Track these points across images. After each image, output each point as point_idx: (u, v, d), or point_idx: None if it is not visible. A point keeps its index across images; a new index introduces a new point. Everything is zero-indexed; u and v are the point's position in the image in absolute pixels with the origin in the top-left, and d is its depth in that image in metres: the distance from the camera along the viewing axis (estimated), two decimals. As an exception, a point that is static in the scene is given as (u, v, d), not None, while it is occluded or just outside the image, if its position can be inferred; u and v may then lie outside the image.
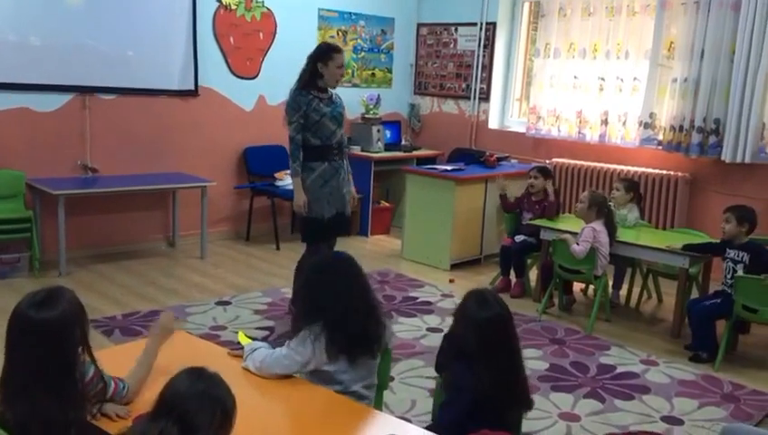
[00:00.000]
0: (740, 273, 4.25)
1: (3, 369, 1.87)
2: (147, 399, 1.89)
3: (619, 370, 4.16)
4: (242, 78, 6.63)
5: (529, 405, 2.41)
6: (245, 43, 6.59)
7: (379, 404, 2.63)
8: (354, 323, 2.40)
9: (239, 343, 2.65)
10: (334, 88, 4.46)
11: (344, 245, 6.13)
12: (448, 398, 2.38)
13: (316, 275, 2.56)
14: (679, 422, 3.56)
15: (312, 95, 4.36)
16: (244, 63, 6.62)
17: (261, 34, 6.69)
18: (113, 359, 2.29)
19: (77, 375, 1.90)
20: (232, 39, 6.50)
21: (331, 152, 4.42)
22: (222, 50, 6.47)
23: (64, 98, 5.61)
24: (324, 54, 4.36)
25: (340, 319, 2.39)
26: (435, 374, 2.71)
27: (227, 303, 4.96)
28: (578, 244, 4.75)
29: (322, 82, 4.38)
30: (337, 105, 4.47)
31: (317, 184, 4.40)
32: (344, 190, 4.52)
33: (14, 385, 1.83)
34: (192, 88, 6.27)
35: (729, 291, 4.32)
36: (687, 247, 4.60)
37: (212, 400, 1.67)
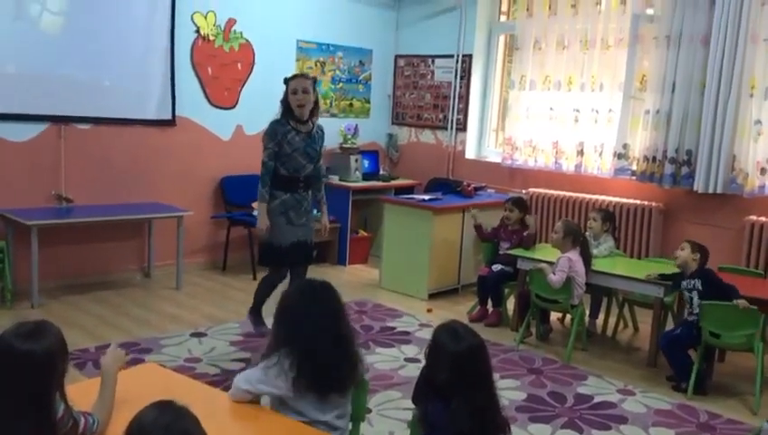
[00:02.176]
0: (695, 300, 4.33)
1: None
2: (117, 434, 1.85)
3: (597, 399, 4.17)
4: (220, 108, 6.64)
5: (506, 431, 2.38)
6: (223, 73, 6.61)
7: (356, 437, 2.60)
8: (324, 355, 2.34)
9: None
10: (303, 117, 4.48)
11: (322, 274, 6.12)
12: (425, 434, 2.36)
13: (291, 301, 2.49)
14: (656, 452, 3.57)
15: (290, 126, 4.44)
16: (222, 94, 6.64)
17: (239, 65, 6.72)
18: (87, 393, 2.24)
19: (52, 412, 1.87)
20: (210, 69, 6.52)
21: (296, 184, 4.56)
22: (200, 80, 6.48)
23: (39, 127, 5.56)
24: (285, 85, 4.50)
25: (309, 349, 2.34)
26: (412, 406, 2.68)
27: (203, 334, 4.90)
28: (554, 273, 4.77)
29: (298, 113, 4.44)
30: (314, 141, 4.56)
31: (276, 212, 4.55)
32: (303, 220, 4.63)
33: None
34: (169, 118, 6.26)
35: (691, 319, 4.38)
36: (662, 277, 4.65)
37: (178, 433, 1.63)
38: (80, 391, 2.31)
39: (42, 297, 5.32)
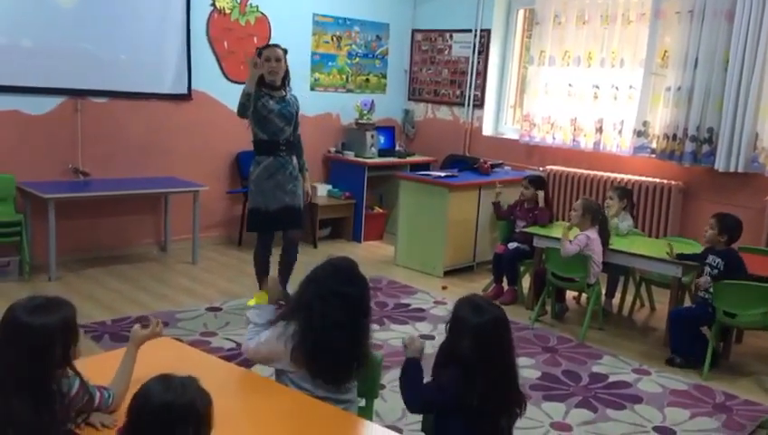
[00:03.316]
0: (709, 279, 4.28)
1: None
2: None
3: (612, 379, 4.15)
4: (236, 82, 6.58)
5: (522, 406, 2.37)
6: (239, 47, 6.57)
7: (369, 413, 2.61)
8: (329, 341, 2.32)
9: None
10: (275, 83, 4.70)
11: (337, 250, 6.12)
12: (430, 383, 2.36)
13: (319, 277, 2.45)
14: (671, 433, 3.55)
15: (264, 92, 4.68)
16: (238, 68, 6.59)
17: (255, 39, 6.66)
18: (103, 366, 2.25)
19: (54, 386, 1.87)
20: (226, 43, 6.48)
21: (278, 148, 4.75)
22: (216, 54, 6.44)
23: (56, 101, 5.57)
24: (258, 55, 4.74)
25: (315, 325, 2.32)
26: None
27: (218, 309, 4.92)
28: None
29: (270, 79, 4.68)
30: (288, 104, 4.79)
31: (262, 177, 4.74)
32: (290, 185, 4.78)
33: None
34: (185, 92, 6.25)
35: (704, 296, 4.33)
36: (681, 256, 4.60)
37: (181, 409, 1.63)
38: (96, 364, 2.33)
39: (59, 270, 5.36)
